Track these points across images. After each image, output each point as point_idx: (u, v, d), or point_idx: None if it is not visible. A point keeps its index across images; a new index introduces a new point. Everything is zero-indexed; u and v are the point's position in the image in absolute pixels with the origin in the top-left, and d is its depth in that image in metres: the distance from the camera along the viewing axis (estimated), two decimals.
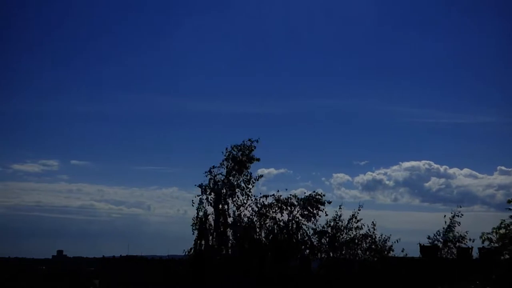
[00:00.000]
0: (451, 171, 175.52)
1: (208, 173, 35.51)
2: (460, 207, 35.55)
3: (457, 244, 35.06)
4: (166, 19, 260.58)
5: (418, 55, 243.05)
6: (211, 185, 35.28)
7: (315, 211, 35.53)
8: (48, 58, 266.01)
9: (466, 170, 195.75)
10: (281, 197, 35.63)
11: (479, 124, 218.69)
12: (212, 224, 34.84)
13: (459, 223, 35.30)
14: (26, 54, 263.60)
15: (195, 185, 35.35)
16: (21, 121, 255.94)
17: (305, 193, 36.17)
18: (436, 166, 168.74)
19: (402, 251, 35.02)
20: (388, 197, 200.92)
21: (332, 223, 35.28)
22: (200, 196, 35.05)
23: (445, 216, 35.42)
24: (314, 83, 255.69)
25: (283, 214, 35.52)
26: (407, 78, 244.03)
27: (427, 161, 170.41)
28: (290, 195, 35.88)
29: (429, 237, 35.52)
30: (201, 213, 34.80)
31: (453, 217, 35.38)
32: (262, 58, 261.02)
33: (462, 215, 35.40)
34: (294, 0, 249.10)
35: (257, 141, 36.40)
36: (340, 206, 35.69)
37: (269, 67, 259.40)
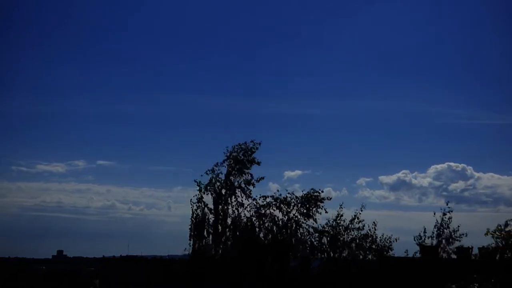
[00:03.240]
0: (476, 172, 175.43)
1: (210, 171, 34.96)
2: (448, 202, 35.66)
3: (451, 240, 35.06)
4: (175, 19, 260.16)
5: (441, 55, 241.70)
6: (212, 183, 34.71)
7: (313, 209, 35.08)
8: (76, 59, 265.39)
9: (491, 171, 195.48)
10: (280, 196, 35.13)
11: (504, 125, 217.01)
12: (211, 224, 34.41)
13: (450, 219, 35.34)
14: (57, 54, 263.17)
15: (194, 180, 34.63)
16: (48, 121, 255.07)
17: (302, 191, 35.68)
18: (461, 166, 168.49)
19: (405, 252, 35.02)
20: (413, 198, 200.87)
21: (333, 223, 35.19)
22: (198, 195, 34.56)
23: (434, 214, 35.45)
24: (337, 83, 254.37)
25: (282, 213, 35.01)
26: (432, 78, 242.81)
27: (452, 162, 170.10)
28: (288, 193, 35.38)
29: (415, 238, 35.48)
30: (199, 212, 34.33)
31: (444, 214, 35.39)
32: (284, 59, 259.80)
33: (452, 210, 35.52)
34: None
35: (259, 144, 35.88)
36: (340, 205, 35.47)
37: (296, 68, 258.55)
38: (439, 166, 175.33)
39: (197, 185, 34.80)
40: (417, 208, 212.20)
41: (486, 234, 34.14)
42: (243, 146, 35.75)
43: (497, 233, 34.94)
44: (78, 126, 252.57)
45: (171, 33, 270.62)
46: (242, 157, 35.53)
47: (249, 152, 35.66)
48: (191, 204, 34.60)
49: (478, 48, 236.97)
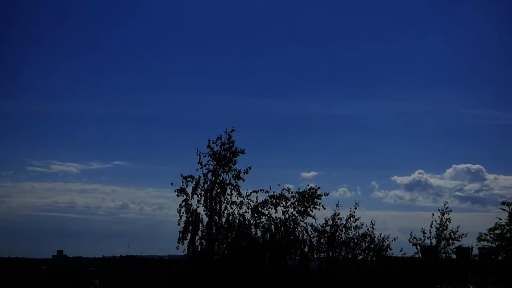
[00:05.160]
0: (491, 173, 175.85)
1: (190, 178, 33.98)
2: (446, 203, 35.79)
3: (450, 241, 35.10)
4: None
5: (455, 56, 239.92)
6: (199, 186, 34.02)
7: (311, 206, 34.78)
8: (77, 58, 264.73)
9: (505, 172, 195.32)
10: (275, 193, 34.69)
11: None
12: (205, 224, 33.98)
13: (449, 219, 35.42)
14: (58, 53, 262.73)
15: (175, 190, 33.95)
16: (65, 122, 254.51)
17: (298, 189, 35.42)
18: (475, 167, 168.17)
19: (401, 250, 35.04)
20: (428, 199, 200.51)
21: (330, 222, 35.12)
22: (186, 199, 33.98)
23: (433, 214, 35.54)
24: (351, 84, 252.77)
25: (277, 211, 34.68)
26: (447, 79, 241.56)
27: (467, 163, 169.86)
28: (283, 189, 34.99)
29: (411, 237, 35.54)
30: (188, 215, 33.77)
31: (443, 214, 35.47)
32: (306, 59, 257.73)
33: (451, 210, 35.63)
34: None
35: (232, 131, 34.41)
36: (337, 204, 35.50)
37: (310, 68, 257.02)
38: (454, 167, 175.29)
39: (179, 193, 34.00)
40: (432, 208, 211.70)
41: (479, 241, 34.18)
42: (218, 141, 34.39)
43: (490, 235, 34.90)
44: (87, 126, 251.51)
45: (179, 32, 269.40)
46: (224, 152, 34.31)
47: (228, 145, 34.36)
48: (179, 208, 33.95)
49: (494, 49, 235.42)
